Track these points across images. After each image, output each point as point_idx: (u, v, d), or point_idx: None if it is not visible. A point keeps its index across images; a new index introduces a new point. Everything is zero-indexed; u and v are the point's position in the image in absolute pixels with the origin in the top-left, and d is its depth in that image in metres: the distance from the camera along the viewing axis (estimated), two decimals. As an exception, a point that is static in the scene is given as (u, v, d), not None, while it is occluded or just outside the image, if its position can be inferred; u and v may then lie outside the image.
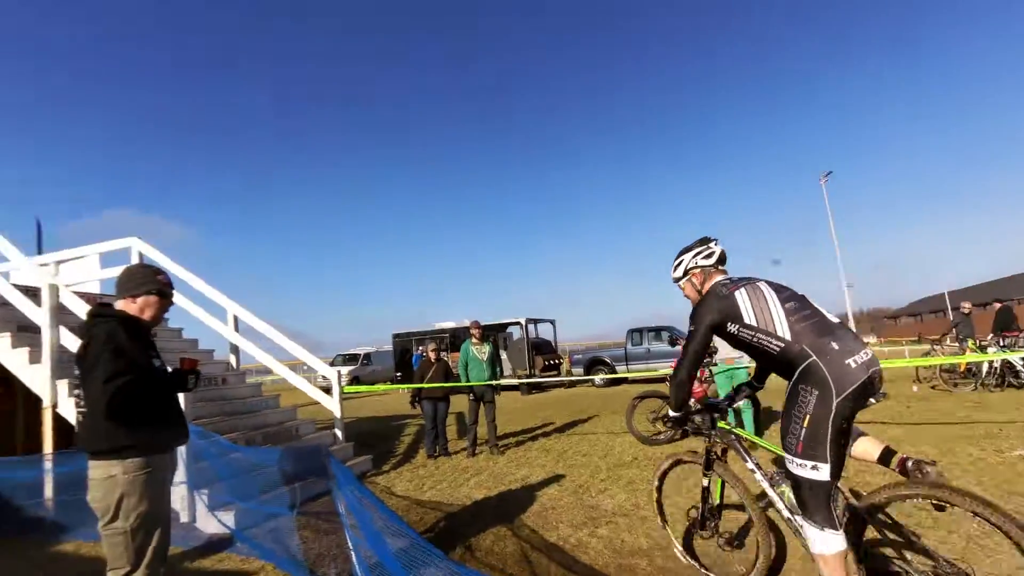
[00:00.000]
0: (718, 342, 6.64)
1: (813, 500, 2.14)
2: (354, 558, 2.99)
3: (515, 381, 15.85)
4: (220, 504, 4.63)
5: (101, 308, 2.49)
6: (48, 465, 5.22)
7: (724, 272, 2.72)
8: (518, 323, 19.98)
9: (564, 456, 6.80)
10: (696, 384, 7.13)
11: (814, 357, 2.13)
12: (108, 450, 2.26)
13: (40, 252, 9.15)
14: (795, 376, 2.20)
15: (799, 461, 2.14)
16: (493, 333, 18.74)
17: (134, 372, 2.26)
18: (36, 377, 5.42)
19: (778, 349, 2.24)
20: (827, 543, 2.11)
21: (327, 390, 7.13)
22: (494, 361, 7.65)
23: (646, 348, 17.92)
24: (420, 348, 21.49)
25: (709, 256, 2.71)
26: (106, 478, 2.24)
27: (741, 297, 2.39)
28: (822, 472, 2.09)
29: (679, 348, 12.55)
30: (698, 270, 2.72)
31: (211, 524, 4.54)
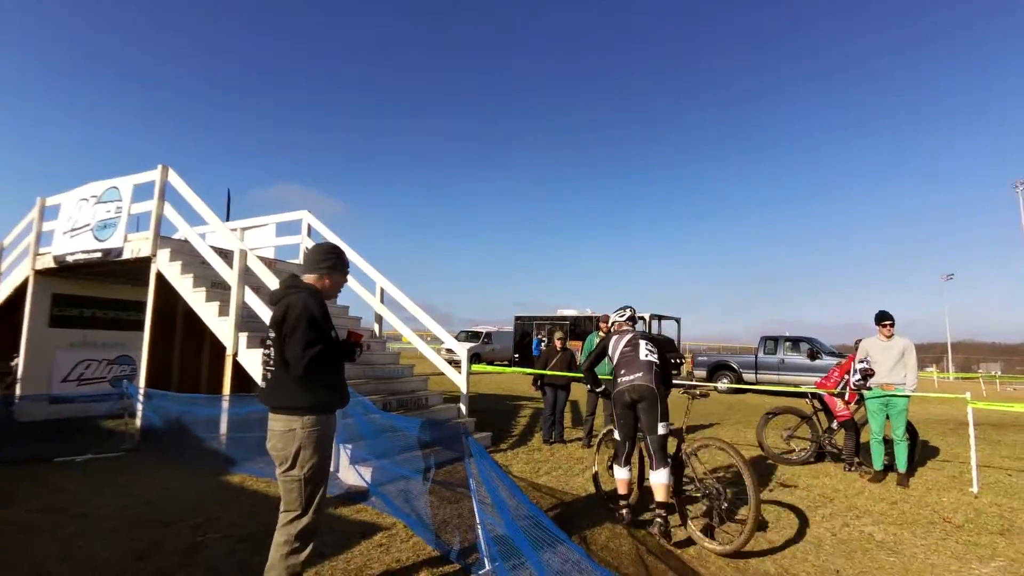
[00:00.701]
0: (877, 364, 6.02)
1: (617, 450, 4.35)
2: (480, 531, 3.19)
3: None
4: (359, 459, 5.13)
5: (294, 280, 2.82)
6: (225, 405, 6.10)
7: (631, 324, 4.71)
8: (641, 317, 19.53)
9: (683, 462, 6.59)
10: (841, 405, 6.53)
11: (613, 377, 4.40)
12: (291, 407, 2.61)
13: (228, 218, 10.61)
14: None
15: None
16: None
17: (324, 342, 2.61)
18: (223, 328, 6.34)
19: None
20: (620, 472, 4.32)
21: (451, 363, 7.57)
22: (618, 356, 7.57)
23: (780, 358, 16.68)
24: (540, 333, 21.89)
25: (622, 315, 4.73)
26: (287, 431, 2.59)
27: (612, 340, 4.54)
28: (617, 435, 4.34)
29: (821, 363, 11.62)
30: (615, 324, 4.76)
31: (351, 476, 5.04)
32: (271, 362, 2.67)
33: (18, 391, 8.57)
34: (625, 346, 4.34)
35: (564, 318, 21.92)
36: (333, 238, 8.43)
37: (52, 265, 8.38)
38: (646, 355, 4.24)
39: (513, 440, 7.68)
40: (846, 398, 6.47)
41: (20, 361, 8.79)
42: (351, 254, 8.14)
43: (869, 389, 6.09)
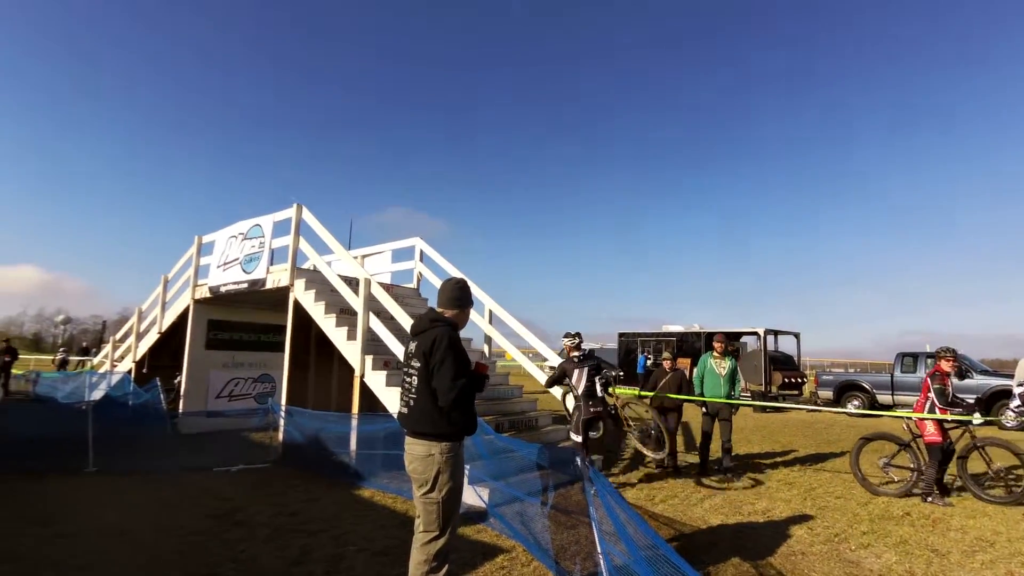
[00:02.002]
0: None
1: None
2: (602, 560, 3.20)
3: (752, 403, 14.68)
4: (477, 480, 5.31)
5: (435, 313, 3.08)
6: (354, 423, 6.60)
7: (579, 350, 6.40)
8: (755, 333, 18.41)
9: (812, 494, 6.14)
10: (932, 427, 5.99)
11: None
12: (432, 433, 2.83)
13: (350, 246, 11.51)
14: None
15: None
16: (728, 343, 17.64)
17: (468, 374, 2.85)
18: (351, 351, 6.89)
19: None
20: (573, 436, 5.98)
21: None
22: (734, 377, 7.23)
23: (921, 377, 14.96)
24: (645, 350, 21.35)
25: (573, 342, 6.43)
26: (427, 456, 2.81)
27: (575, 372, 6.13)
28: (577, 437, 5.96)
29: (972, 382, 10.41)
30: (567, 349, 6.49)
31: (471, 496, 5.22)
32: (412, 390, 2.91)
33: (180, 406, 9.83)
34: (587, 382, 6.10)
35: (670, 334, 21.18)
36: (443, 263, 8.90)
37: (208, 295, 9.58)
38: (600, 392, 6.15)
39: (625, 464, 7.57)
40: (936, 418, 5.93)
41: (183, 379, 10.09)
42: (457, 274, 8.54)
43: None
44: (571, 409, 6.41)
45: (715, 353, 7.31)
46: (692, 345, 20.16)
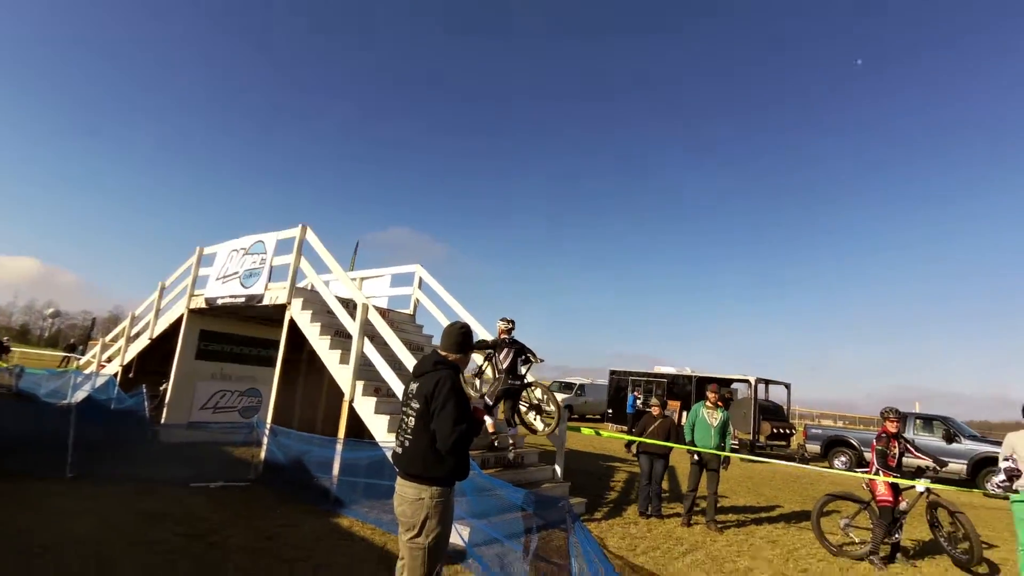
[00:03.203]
0: None
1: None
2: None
3: (740, 456, 14.59)
4: (458, 517, 5.24)
5: (439, 356, 3.09)
6: (339, 448, 6.53)
7: (510, 334, 7.05)
8: (746, 380, 18.41)
9: (795, 555, 6.09)
10: (883, 488, 6.06)
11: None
12: (424, 476, 2.81)
13: (353, 267, 11.57)
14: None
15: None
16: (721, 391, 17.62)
17: (469, 419, 2.83)
18: (343, 375, 6.87)
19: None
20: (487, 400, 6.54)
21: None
22: (725, 429, 7.23)
23: (910, 438, 14.94)
24: (636, 390, 21.29)
25: (508, 324, 7.07)
26: (416, 499, 2.78)
27: (502, 355, 6.82)
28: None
29: (959, 447, 10.58)
30: (500, 334, 7.04)
31: (451, 535, 5.17)
32: (409, 431, 2.89)
33: (164, 415, 9.72)
34: (511, 360, 6.79)
35: (662, 375, 21.16)
36: (442, 292, 8.93)
37: (203, 305, 9.57)
38: (521, 370, 6.91)
39: (607, 509, 7.49)
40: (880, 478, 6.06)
41: (169, 387, 10.00)
42: (456, 306, 8.58)
43: (1016, 492, 5.37)
44: (483, 380, 7.50)
45: (708, 403, 7.32)
46: (683, 388, 20.13)
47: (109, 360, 12.97)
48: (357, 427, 6.74)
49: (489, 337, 7.41)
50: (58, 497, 5.59)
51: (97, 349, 14.14)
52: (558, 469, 7.29)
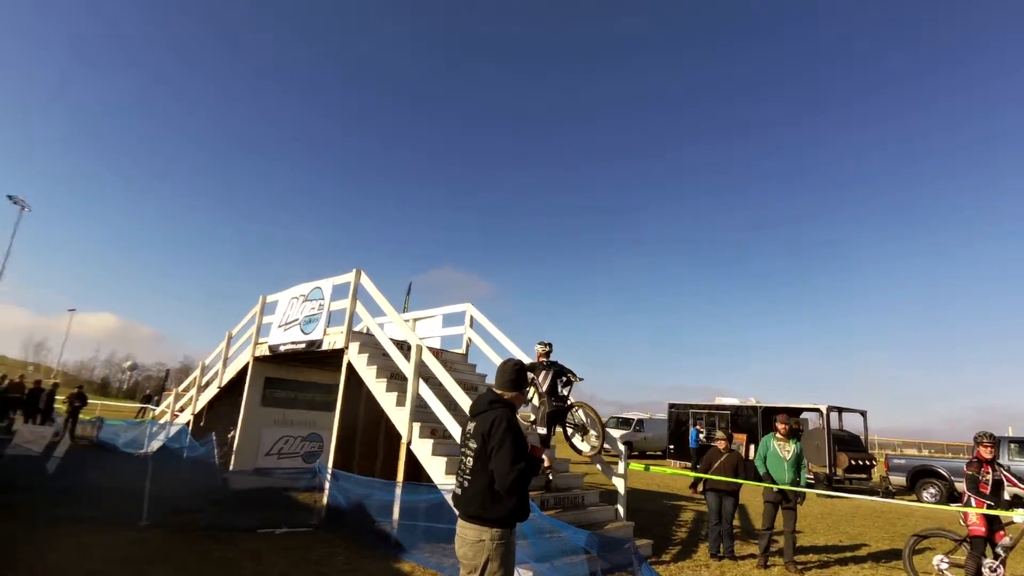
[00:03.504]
0: None
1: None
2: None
3: (818, 491, 13.68)
4: (521, 560, 5.11)
5: (494, 395, 3.10)
6: (398, 491, 6.53)
7: (547, 356, 7.20)
8: (817, 409, 17.39)
9: (888, 600, 5.58)
10: (974, 518, 5.62)
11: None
12: (484, 518, 2.79)
13: (406, 309, 11.81)
14: None
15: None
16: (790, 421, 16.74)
17: (527, 458, 2.82)
18: (399, 417, 6.94)
19: None
20: (539, 430, 6.85)
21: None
22: (799, 461, 6.81)
23: (1006, 463, 13.64)
24: (697, 424, 20.46)
25: (545, 347, 7.21)
26: (477, 541, 2.76)
27: (540, 368, 7.09)
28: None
29: None
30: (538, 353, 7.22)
31: (513, 578, 5.03)
32: (468, 471, 2.89)
33: (232, 462, 10.04)
34: (551, 382, 6.95)
35: (724, 407, 20.27)
36: (493, 330, 8.96)
37: (267, 353, 9.95)
38: (561, 391, 7.01)
39: (676, 550, 7.13)
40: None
41: (236, 434, 10.36)
42: (509, 343, 8.57)
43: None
44: (535, 404, 7.29)
45: (778, 435, 6.92)
46: (747, 420, 19.24)
47: (182, 410, 13.60)
48: (415, 470, 6.74)
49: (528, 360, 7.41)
50: (134, 545, 5.81)
51: (171, 399, 14.88)
52: (620, 509, 7.03)
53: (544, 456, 3.07)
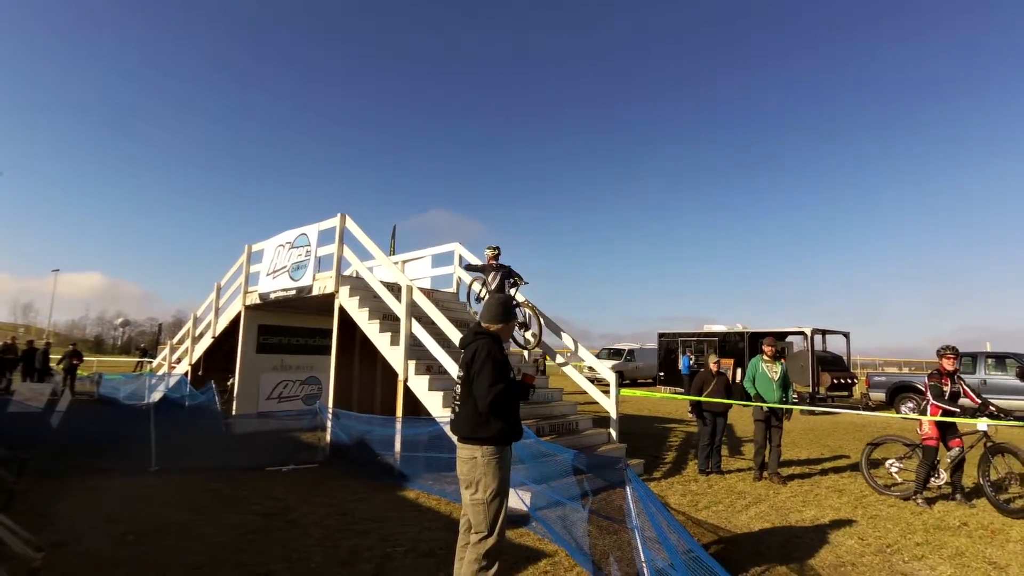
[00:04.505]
0: None
1: None
2: (646, 570, 3.23)
3: (802, 406, 14.25)
4: (519, 483, 5.38)
5: (479, 327, 3.30)
6: (398, 426, 6.77)
7: (496, 259, 8.10)
8: (801, 332, 17.87)
9: (863, 502, 5.97)
10: (927, 427, 5.97)
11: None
12: (474, 438, 3.01)
13: (393, 252, 11.77)
14: None
15: None
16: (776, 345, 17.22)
17: (506, 382, 3.01)
18: (394, 356, 7.07)
19: None
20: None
21: (593, 381, 7.85)
22: (786, 381, 7.12)
23: (980, 379, 14.25)
24: (687, 351, 20.98)
25: (495, 250, 8.10)
26: (470, 458, 3.00)
27: (490, 269, 8.05)
28: None
29: None
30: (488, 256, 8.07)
31: (513, 500, 5.29)
32: (458, 397, 3.12)
33: (234, 408, 10.26)
34: (499, 282, 7.77)
35: (712, 334, 20.75)
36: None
37: (258, 301, 9.97)
38: (508, 291, 7.66)
39: (666, 468, 7.51)
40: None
41: (236, 381, 10.53)
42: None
43: None
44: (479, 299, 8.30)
45: (765, 356, 7.19)
46: (735, 345, 19.74)
47: (178, 361, 13.74)
48: (413, 405, 6.94)
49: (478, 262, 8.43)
50: (146, 488, 6.03)
51: (167, 351, 15.00)
52: (613, 432, 7.33)
53: (524, 373, 3.28)
